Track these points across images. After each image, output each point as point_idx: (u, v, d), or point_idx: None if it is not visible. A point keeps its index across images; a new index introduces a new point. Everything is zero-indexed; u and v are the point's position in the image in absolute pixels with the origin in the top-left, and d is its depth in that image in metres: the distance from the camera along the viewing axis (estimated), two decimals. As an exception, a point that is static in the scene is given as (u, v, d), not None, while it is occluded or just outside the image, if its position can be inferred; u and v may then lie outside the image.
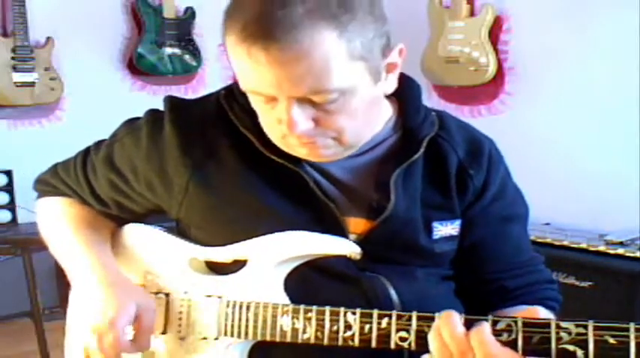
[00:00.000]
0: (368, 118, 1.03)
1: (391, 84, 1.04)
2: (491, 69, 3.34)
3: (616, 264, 2.66)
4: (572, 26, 3.14)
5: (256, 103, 1.01)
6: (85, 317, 1.10)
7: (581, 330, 0.82)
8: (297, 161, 1.06)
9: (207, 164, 1.08)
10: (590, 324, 0.81)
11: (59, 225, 1.22)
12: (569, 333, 0.82)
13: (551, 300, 1.16)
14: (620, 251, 2.69)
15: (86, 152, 1.24)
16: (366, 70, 0.96)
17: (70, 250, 1.18)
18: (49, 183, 1.28)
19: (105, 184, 1.18)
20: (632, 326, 0.79)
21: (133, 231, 1.22)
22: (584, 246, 2.79)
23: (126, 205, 1.19)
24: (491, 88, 3.43)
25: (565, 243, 2.84)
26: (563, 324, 0.83)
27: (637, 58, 2.90)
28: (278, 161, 1.05)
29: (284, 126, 0.97)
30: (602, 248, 2.74)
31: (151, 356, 1.11)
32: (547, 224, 3.09)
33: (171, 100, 1.14)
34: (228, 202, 1.07)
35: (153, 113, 1.16)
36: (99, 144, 1.23)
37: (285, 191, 1.06)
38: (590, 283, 2.67)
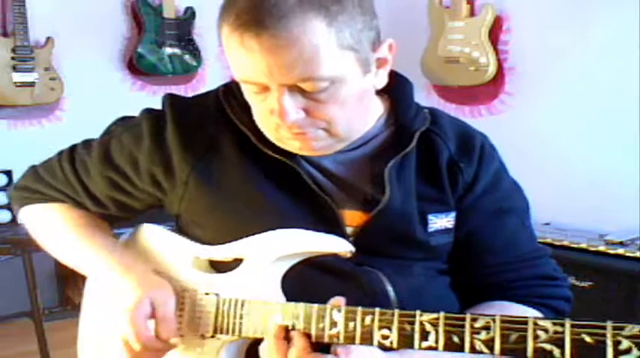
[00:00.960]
0: (357, 110, 1.04)
1: (382, 79, 1.06)
2: (491, 69, 3.34)
3: (616, 264, 2.66)
4: (572, 26, 3.14)
5: (249, 94, 1.02)
6: (113, 312, 1.10)
7: (559, 328, 0.81)
8: (292, 156, 1.07)
9: (208, 159, 1.09)
10: (567, 322, 0.81)
11: (60, 231, 1.21)
12: (547, 331, 0.81)
13: (549, 298, 1.16)
14: (620, 251, 2.69)
15: (71, 152, 1.22)
16: (356, 61, 0.98)
17: (79, 256, 1.18)
18: (33, 189, 1.24)
19: (102, 183, 1.17)
20: (609, 324, 0.78)
21: (139, 230, 1.22)
22: (584, 246, 2.79)
23: (126, 203, 1.18)
24: (491, 88, 3.43)
25: (565, 243, 2.84)
26: (541, 322, 0.82)
27: (637, 58, 2.90)
28: (274, 156, 1.06)
29: (276, 117, 0.98)
30: (602, 248, 2.74)
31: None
32: (547, 224, 3.09)
33: (171, 98, 1.15)
34: (227, 197, 1.08)
35: (150, 111, 1.17)
36: (87, 143, 1.22)
37: (282, 186, 1.07)
38: (590, 283, 2.67)
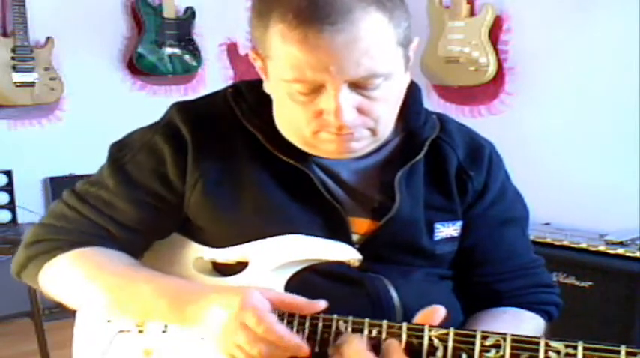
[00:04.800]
0: (396, 109, 1.04)
1: (408, 77, 1.06)
2: (491, 69, 3.34)
3: (616, 264, 2.66)
4: (572, 26, 3.14)
5: (292, 96, 0.98)
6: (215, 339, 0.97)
7: (571, 351, 0.79)
8: (304, 161, 1.06)
9: (216, 162, 1.07)
10: (580, 345, 0.79)
11: (97, 276, 1.06)
12: (558, 353, 0.80)
13: (546, 304, 1.16)
14: (620, 251, 2.69)
15: (75, 194, 1.12)
16: (402, 57, 0.99)
17: (126, 296, 1.05)
18: (51, 239, 1.10)
19: (131, 209, 1.09)
20: (622, 348, 0.77)
21: None
22: (584, 246, 2.79)
23: (159, 224, 1.11)
24: (491, 88, 3.43)
25: (565, 243, 2.84)
26: (553, 343, 0.81)
27: (637, 58, 2.90)
28: (285, 160, 1.05)
29: (330, 116, 0.96)
30: (602, 248, 2.74)
31: (149, 354, 1.11)
32: (547, 224, 3.09)
33: (178, 103, 1.13)
34: (235, 200, 1.06)
35: (155, 124, 1.12)
36: (90, 181, 1.13)
37: (291, 190, 1.06)
38: (590, 283, 2.67)
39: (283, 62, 0.95)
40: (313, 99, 0.97)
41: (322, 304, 0.95)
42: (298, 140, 1.03)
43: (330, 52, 0.91)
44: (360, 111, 0.97)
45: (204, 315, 0.96)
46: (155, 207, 1.10)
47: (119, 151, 1.13)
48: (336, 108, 0.95)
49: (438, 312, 0.90)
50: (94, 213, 1.10)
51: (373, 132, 1.01)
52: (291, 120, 1.02)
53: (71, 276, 1.07)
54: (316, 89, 0.96)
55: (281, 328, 0.92)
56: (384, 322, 0.90)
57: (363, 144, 1.02)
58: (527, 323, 1.12)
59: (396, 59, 0.97)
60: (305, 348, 0.92)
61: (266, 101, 1.07)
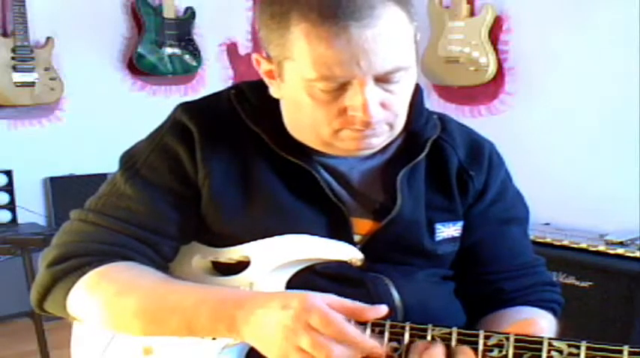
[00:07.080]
0: (408, 104, 1.05)
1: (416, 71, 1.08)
2: (491, 69, 3.34)
3: (616, 264, 2.66)
4: (572, 26, 3.14)
5: (315, 97, 0.98)
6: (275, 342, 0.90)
7: (574, 350, 0.80)
8: (309, 161, 1.06)
9: (223, 161, 1.07)
10: (583, 345, 0.79)
11: (136, 292, 1.01)
12: (561, 352, 0.80)
13: (550, 302, 1.16)
14: (620, 251, 2.69)
15: (93, 211, 1.09)
16: (415, 52, 1.01)
17: (180, 310, 0.98)
18: (79, 255, 1.04)
19: (157, 212, 1.07)
20: (625, 348, 0.77)
21: None
22: (584, 246, 2.79)
23: (185, 224, 1.09)
24: (491, 88, 3.43)
25: (565, 243, 2.84)
26: (556, 343, 0.81)
27: (637, 57, 2.90)
28: (290, 160, 1.05)
29: (356, 113, 0.96)
30: (602, 248, 2.74)
31: (148, 352, 1.11)
32: (547, 224, 3.10)
33: (183, 104, 1.12)
34: (241, 199, 1.06)
35: (161, 128, 1.12)
36: (104, 195, 1.10)
37: (296, 189, 1.06)
38: (590, 283, 2.67)
39: (307, 61, 0.95)
40: (337, 97, 0.97)
41: (384, 309, 0.91)
42: (315, 141, 1.04)
43: (360, 47, 0.92)
44: (383, 106, 0.98)
45: (255, 319, 0.91)
46: (177, 206, 1.08)
47: (130, 160, 1.11)
48: (364, 103, 0.95)
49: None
50: (117, 223, 1.06)
51: (391, 127, 1.02)
52: (309, 122, 1.02)
53: (104, 294, 1.01)
54: (341, 86, 0.96)
55: (353, 328, 0.87)
56: (388, 322, 0.90)
57: (381, 139, 1.03)
58: (547, 322, 1.11)
59: (413, 52, 0.99)
60: (380, 349, 0.88)
61: (269, 102, 1.08)
